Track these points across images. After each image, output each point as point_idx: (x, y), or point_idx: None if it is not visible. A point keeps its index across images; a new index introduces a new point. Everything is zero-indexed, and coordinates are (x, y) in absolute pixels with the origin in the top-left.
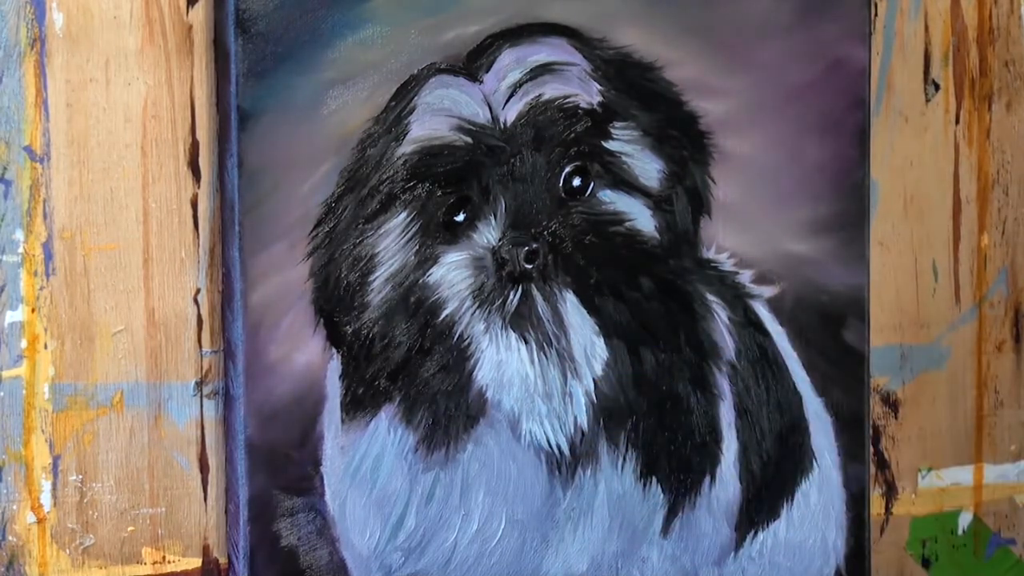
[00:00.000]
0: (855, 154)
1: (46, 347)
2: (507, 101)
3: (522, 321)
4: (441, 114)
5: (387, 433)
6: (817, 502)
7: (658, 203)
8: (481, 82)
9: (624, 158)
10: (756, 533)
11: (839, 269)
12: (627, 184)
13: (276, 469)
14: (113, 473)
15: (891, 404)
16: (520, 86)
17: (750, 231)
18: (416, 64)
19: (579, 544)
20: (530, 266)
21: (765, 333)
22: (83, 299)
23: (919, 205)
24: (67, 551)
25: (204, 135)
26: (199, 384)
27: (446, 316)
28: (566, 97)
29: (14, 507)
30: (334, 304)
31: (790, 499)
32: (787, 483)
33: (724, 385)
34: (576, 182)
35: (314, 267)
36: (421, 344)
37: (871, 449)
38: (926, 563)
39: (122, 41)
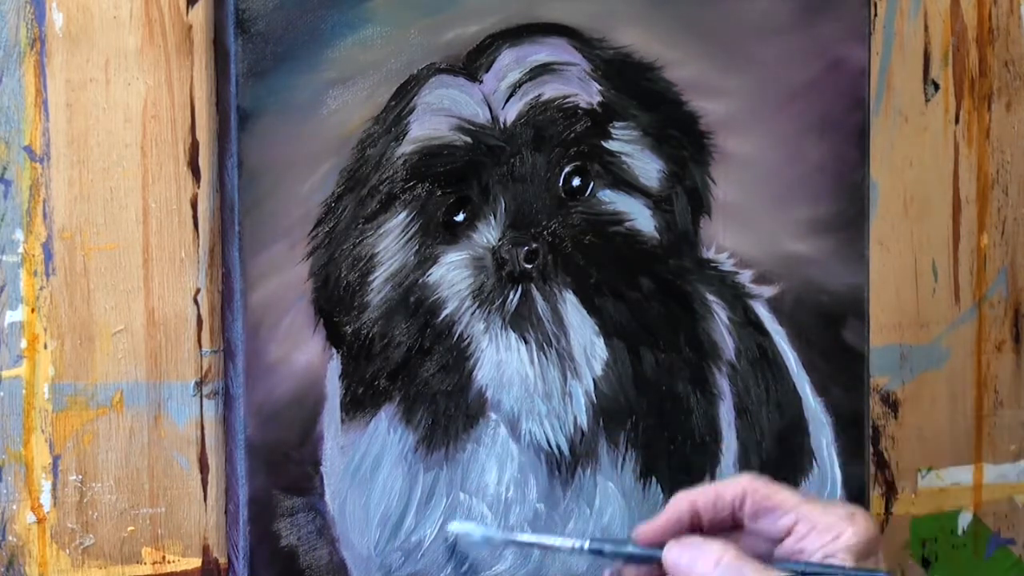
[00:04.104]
0: (855, 154)
1: (46, 347)
2: (507, 101)
3: (522, 321)
4: (441, 114)
5: (387, 433)
6: None
7: (658, 203)
8: (481, 82)
9: (624, 158)
10: None
11: (839, 269)
12: (627, 184)
13: (276, 469)
14: (113, 473)
15: (891, 404)
16: (520, 86)
17: (750, 231)
18: (416, 64)
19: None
20: (530, 266)
21: (765, 333)
22: (83, 299)
23: (919, 205)
24: (67, 551)
25: (204, 135)
26: (199, 384)
27: (446, 316)
28: (566, 97)
29: (14, 507)
30: (334, 304)
31: None
32: (787, 483)
33: (724, 385)
34: (576, 182)
35: (314, 267)
36: (421, 344)
37: (871, 449)
38: (926, 563)
39: (122, 41)
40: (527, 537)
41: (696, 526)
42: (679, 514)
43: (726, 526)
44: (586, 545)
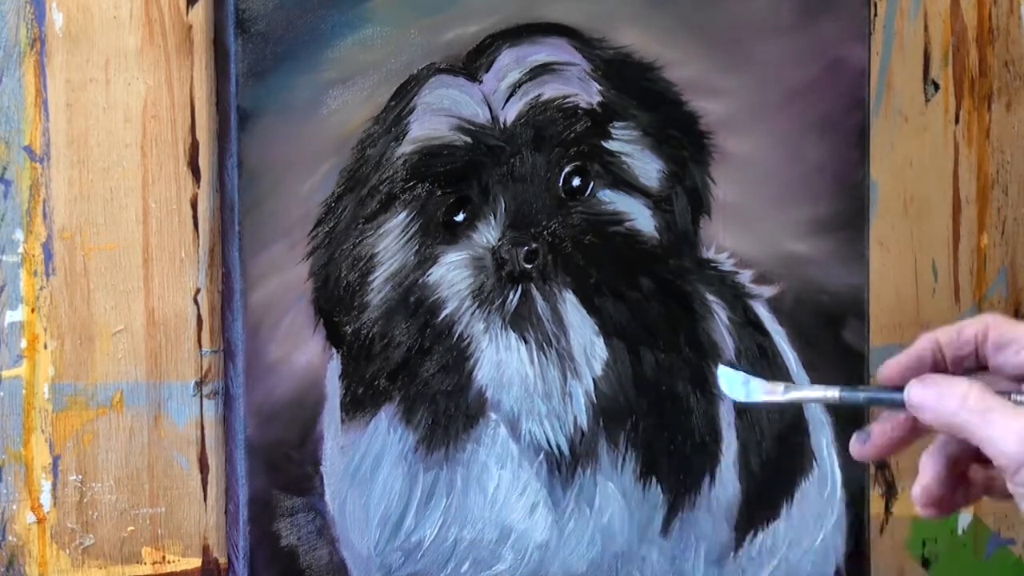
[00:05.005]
0: (855, 154)
1: (46, 347)
2: (507, 101)
3: (522, 321)
4: (441, 114)
5: (387, 433)
6: (817, 502)
7: (658, 203)
8: (481, 82)
9: (624, 158)
10: (756, 533)
11: (839, 269)
12: (627, 184)
13: (276, 469)
14: (113, 473)
15: None
16: (520, 86)
17: (750, 231)
18: (416, 64)
19: (579, 544)
20: (530, 266)
21: (765, 333)
22: (83, 299)
23: (919, 205)
24: (67, 551)
25: (204, 135)
26: (199, 384)
27: (446, 316)
28: (566, 97)
29: (14, 507)
30: (334, 304)
31: (790, 499)
32: (787, 483)
33: None
34: (576, 182)
35: (314, 267)
36: (421, 344)
37: None
38: (926, 563)
39: (122, 41)
40: (782, 385)
41: (939, 365)
42: (922, 351)
43: (969, 365)
44: (836, 393)
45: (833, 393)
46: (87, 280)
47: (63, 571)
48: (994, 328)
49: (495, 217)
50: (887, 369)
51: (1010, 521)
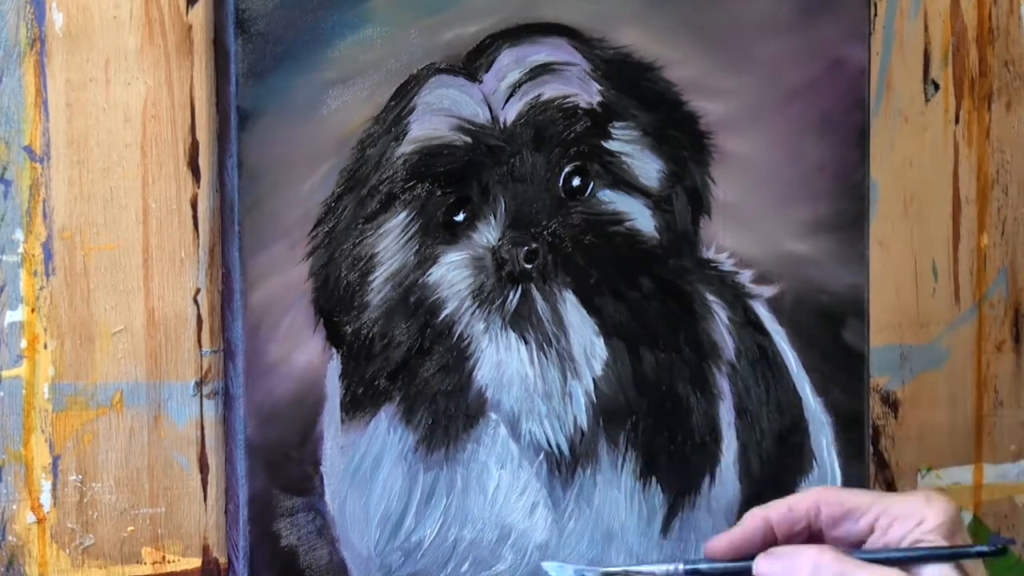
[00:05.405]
0: (855, 154)
1: (46, 347)
2: (507, 101)
3: (522, 321)
4: (441, 114)
5: (387, 433)
6: None
7: (658, 203)
8: (481, 82)
9: (624, 158)
10: None
11: (839, 269)
12: (627, 184)
13: (276, 469)
14: (113, 473)
15: (891, 404)
16: (520, 86)
17: (750, 231)
18: (416, 64)
19: (579, 544)
20: (530, 266)
21: (765, 333)
22: (83, 299)
23: (919, 205)
24: (67, 551)
25: (204, 135)
26: (199, 384)
27: (446, 316)
28: (566, 97)
29: (14, 507)
30: (334, 304)
31: None
32: (787, 483)
33: (724, 385)
34: (576, 182)
35: (314, 267)
36: (421, 344)
37: (871, 449)
38: None
39: (122, 41)
40: (620, 568)
41: (769, 541)
42: (751, 529)
43: (802, 539)
44: (681, 568)
45: (678, 567)
46: (87, 280)
47: (63, 571)
48: (826, 504)
49: (495, 217)
50: (714, 545)
51: (1010, 521)
